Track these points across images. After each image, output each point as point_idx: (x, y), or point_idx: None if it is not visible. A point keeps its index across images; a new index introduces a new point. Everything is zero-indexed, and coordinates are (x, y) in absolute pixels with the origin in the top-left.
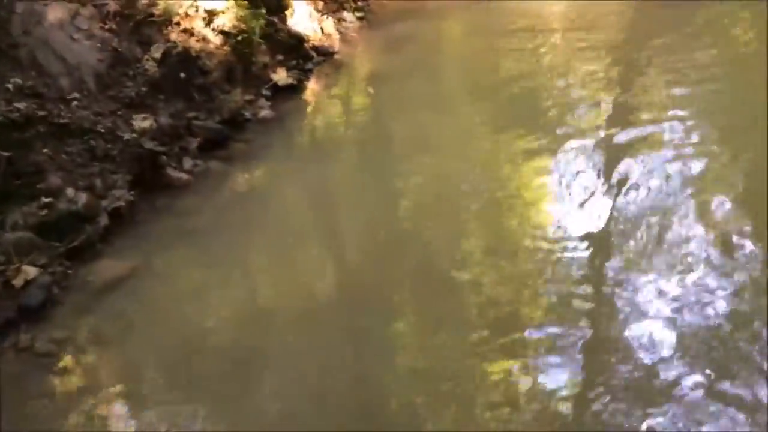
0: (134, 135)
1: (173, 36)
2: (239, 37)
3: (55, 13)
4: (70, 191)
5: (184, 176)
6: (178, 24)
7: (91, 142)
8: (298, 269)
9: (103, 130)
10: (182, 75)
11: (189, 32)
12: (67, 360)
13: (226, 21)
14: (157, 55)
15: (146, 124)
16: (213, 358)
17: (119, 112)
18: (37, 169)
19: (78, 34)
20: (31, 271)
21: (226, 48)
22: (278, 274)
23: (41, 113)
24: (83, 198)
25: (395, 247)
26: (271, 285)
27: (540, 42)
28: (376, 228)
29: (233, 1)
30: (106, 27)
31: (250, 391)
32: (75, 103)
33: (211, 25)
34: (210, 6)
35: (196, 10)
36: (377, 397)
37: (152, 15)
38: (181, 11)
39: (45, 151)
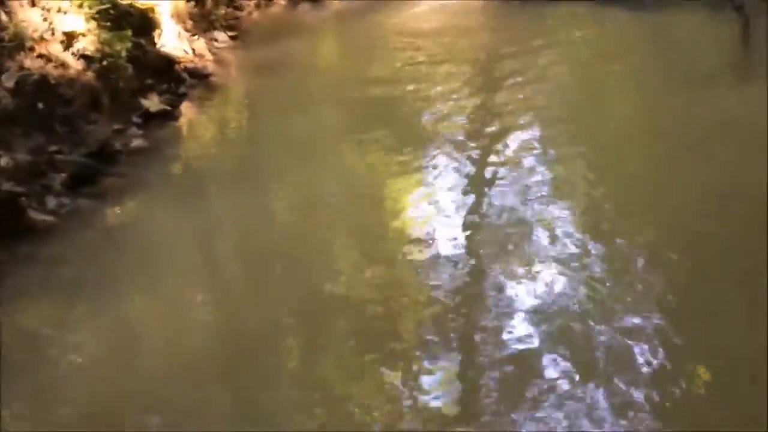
0: None
1: (27, 62)
2: (104, 62)
3: None
4: None
5: (49, 218)
6: (32, 49)
7: None
8: (178, 314)
9: None
10: (40, 105)
11: (46, 58)
12: None
13: (87, 44)
14: (10, 84)
15: (1, 162)
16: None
17: None
18: None
19: None
20: None
21: (89, 74)
22: (157, 322)
23: None
24: None
25: (274, 273)
26: (149, 336)
27: (409, 52)
28: (254, 256)
29: (94, 23)
30: None
31: None
32: None
33: (71, 50)
34: (68, 28)
35: (53, 33)
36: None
37: (2, 39)
38: (35, 35)
39: None
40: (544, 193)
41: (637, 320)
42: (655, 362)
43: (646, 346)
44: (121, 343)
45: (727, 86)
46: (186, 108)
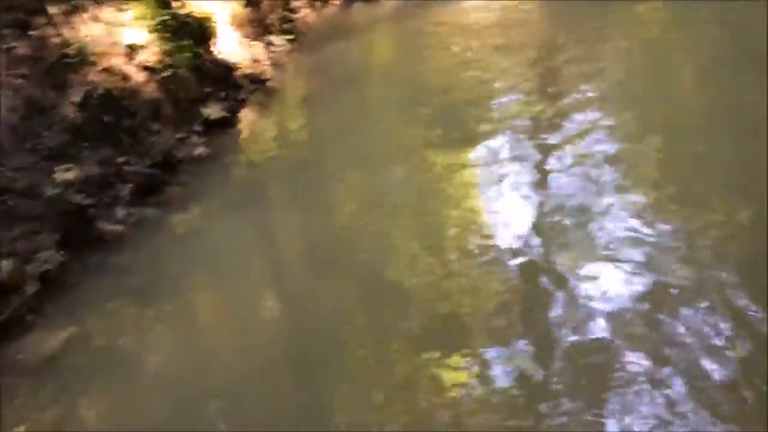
0: (57, 189)
1: (92, 77)
2: (165, 73)
3: None
4: None
5: (118, 228)
6: (96, 63)
7: (9, 203)
8: (245, 315)
9: (22, 187)
10: (106, 118)
11: (110, 71)
12: None
13: (149, 56)
14: (77, 98)
15: (70, 175)
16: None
17: (39, 166)
18: None
19: None
20: None
21: (151, 85)
22: (225, 323)
23: None
24: (7, 266)
25: (337, 271)
26: (220, 340)
27: (465, 52)
28: (317, 256)
29: (155, 34)
30: (16, 73)
31: None
32: None
33: (133, 62)
34: (130, 41)
35: (116, 47)
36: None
37: (67, 56)
38: (98, 50)
39: None
40: (610, 185)
41: (707, 315)
42: (728, 360)
43: (719, 342)
44: (191, 345)
45: None
46: (245, 114)
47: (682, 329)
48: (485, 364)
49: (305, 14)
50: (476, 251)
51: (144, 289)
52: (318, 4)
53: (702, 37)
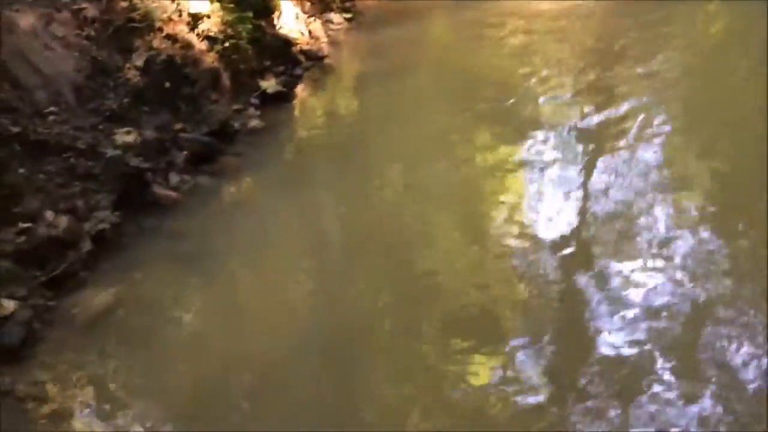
0: (117, 151)
1: (156, 43)
2: (226, 43)
3: (27, 20)
4: (49, 214)
5: (172, 194)
6: (160, 29)
7: (71, 160)
8: (282, 290)
9: (83, 147)
10: (167, 84)
11: (172, 38)
12: (52, 404)
13: (211, 26)
14: (140, 63)
15: (130, 138)
16: (219, 396)
17: (100, 127)
18: (13, 192)
19: (53, 43)
20: (9, 305)
21: (212, 54)
22: (262, 296)
23: (16, 129)
24: (64, 222)
25: (374, 254)
26: (254, 309)
27: (522, 41)
28: (357, 236)
29: (218, 4)
30: (84, 34)
31: None
32: (52, 117)
33: (196, 30)
34: (195, 10)
35: (180, 15)
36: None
37: (133, 20)
38: (164, 16)
39: (21, 171)
40: (656, 187)
41: (743, 329)
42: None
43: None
44: (228, 314)
45: None
46: (300, 89)
47: (716, 341)
48: (514, 360)
49: None
50: (514, 246)
51: (193, 255)
52: None
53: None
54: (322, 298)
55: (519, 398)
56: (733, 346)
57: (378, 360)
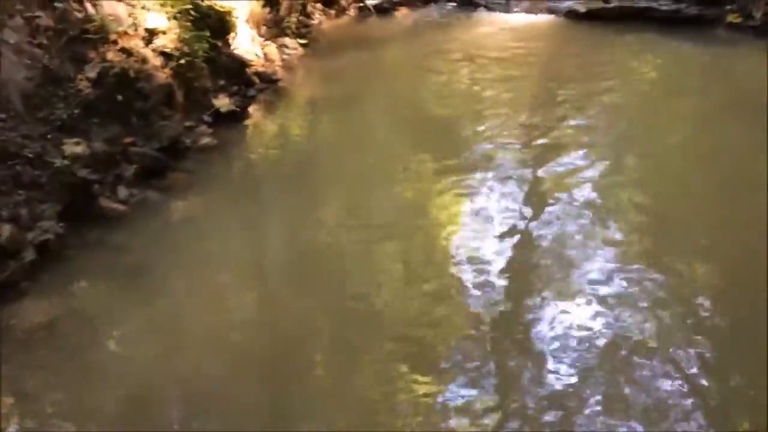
0: (65, 161)
1: (110, 55)
2: (181, 60)
3: None
4: None
5: (119, 207)
6: (115, 42)
7: (17, 168)
8: (223, 309)
9: (30, 155)
10: (119, 97)
11: (127, 52)
12: None
13: (167, 42)
14: (93, 74)
15: (79, 149)
16: (148, 416)
17: (49, 136)
18: None
19: (5, 49)
20: None
21: (166, 70)
22: (202, 314)
23: None
24: (7, 230)
25: (317, 277)
26: (193, 326)
27: (475, 73)
28: (301, 258)
29: (176, 21)
30: (36, 42)
31: None
32: None
33: (151, 46)
34: (151, 25)
35: (136, 29)
36: None
37: (87, 31)
38: (119, 29)
39: None
40: (595, 220)
41: (681, 362)
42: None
43: (686, 393)
44: (166, 331)
45: None
46: (253, 110)
47: (641, 378)
48: (449, 391)
49: (320, 21)
50: (455, 278)
51: (135, 270)
52: (333, 12)
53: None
54: (261, 318)
55: (452, 422)
56: (661, 380)
57: (312, 378)
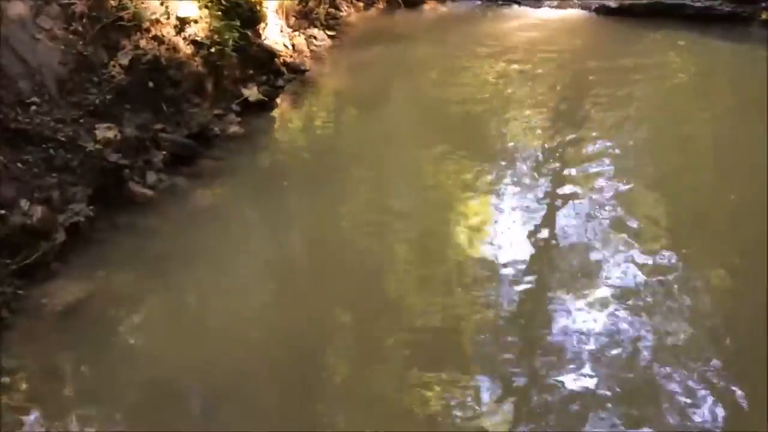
0: (97, 146)
1: (142, 43)
2: (212, 49)
3: (16, 10)
4: (24, 203)
5: (148, 192)
6: (147, 30)
7: (50, 151)
8: (242, 299)
9: (63, 139)
10: (150, 84)
11: (159, 40)
12: (17, 394)
13: (198, 30)
14: (125, 61)
15: (110, 134)
16: (179, 399)
17: (82, 120)
18: None
19: (41, 35)
20: None
21: (197, 59)
22: (222, 303)
23: None
24: (39, 211)
25: (337, 270)
26: (212, 316)
27: (502, 69)
28: (321, 251)
29: (207, 10)
30: (71, 28)
31: None
32: (34, 108)
33: (183, 34)
34: (183, 14)
35: (168, 17)
36: None
37: (121, 19)
38: (152, 17)
39: None
40: (615, 220)
41: (695, 365)
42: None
43: (702, 394)
44: (189, 319)
45: None
46: (281, 100)
47: (661, 380)
48: (467, 387)
49: (349, 13)
50: (473, 275)
51: (162, 256)
52: (361, 5)
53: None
54: (283, 310)
55: (473, 423)
56: (679, 382)
57: (327, 375)
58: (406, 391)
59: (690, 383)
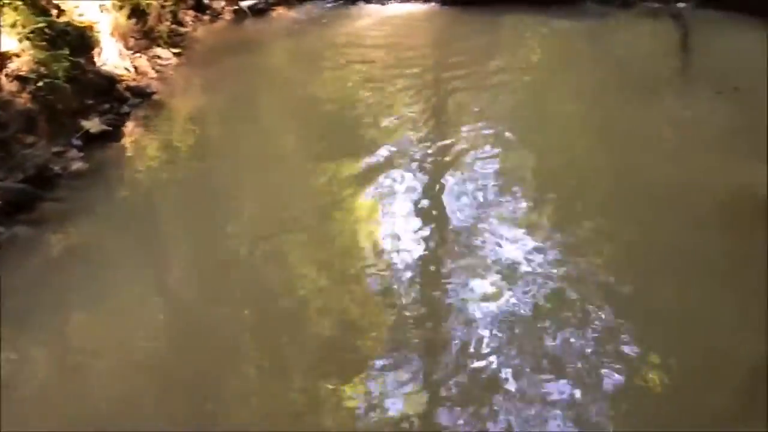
0: None
1: None
2: (39, 83)
3: None
4: None
5: None
6: None
7: None
8: (128, 340)
9: None
10: None
11: None
12: None
13: (21, 65)
14: None
15: None
16: None
17: None
18: None
19: None
20: None
21: (24, 95)
22: (106, 346)
23: None
24: None
25: (229, 292)
26: (98, 359)
27: (360, 67)
28: (208, 275)
29: (28, 42)
30: None
31: None
32: None
33: (4, 71)
34: (1, 49)
35: None
36: None
37: None
38: None
39: None
40: (498, 202)
41: (586, 331)
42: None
43: (600, 356)
44: (72, 368)
45: (673, 92)
46: (130, 128)
47: (558, 345)
48: (378, 387)
49: (194, 28)
50: (369, 270)
51: (23, 311)
52: (207, 18)
53: (579, 57)
54: (173, 344)
55: (387, 419)
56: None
57: (234, 395)
58: (312, 401)
59: (588, 350)
